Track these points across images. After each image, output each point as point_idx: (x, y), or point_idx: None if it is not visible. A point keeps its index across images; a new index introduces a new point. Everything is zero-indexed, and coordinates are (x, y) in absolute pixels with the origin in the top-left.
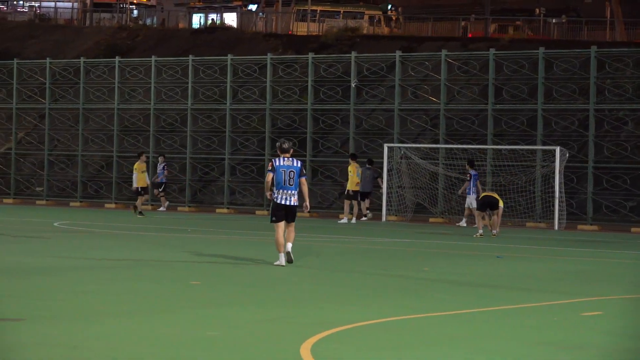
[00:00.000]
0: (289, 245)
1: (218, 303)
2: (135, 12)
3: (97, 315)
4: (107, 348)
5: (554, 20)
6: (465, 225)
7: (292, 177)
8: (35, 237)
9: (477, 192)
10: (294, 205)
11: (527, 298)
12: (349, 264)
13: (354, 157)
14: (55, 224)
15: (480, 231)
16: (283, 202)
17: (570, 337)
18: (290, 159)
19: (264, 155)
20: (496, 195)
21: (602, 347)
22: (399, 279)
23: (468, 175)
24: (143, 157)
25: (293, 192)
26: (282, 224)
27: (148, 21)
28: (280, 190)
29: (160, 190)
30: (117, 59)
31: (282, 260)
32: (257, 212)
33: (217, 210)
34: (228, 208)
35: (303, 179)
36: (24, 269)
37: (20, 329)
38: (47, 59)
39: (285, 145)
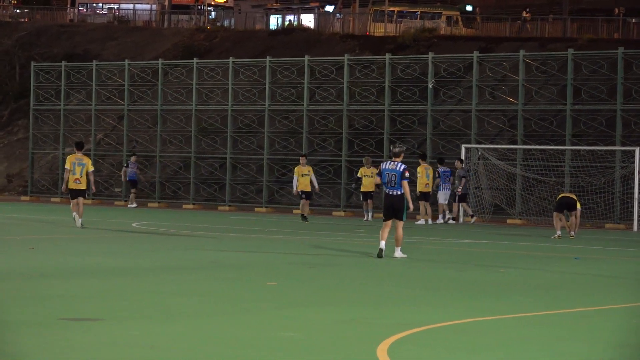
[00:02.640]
0: (397, 253)
1: (295, 304)
2: (213, 13)
3: (175, 315)
4: (184, 348)
5: (633, 20)
6: (442, 221)
7: (393, 179)
8: (115, 238)
9: (449, 189)
10: (394, 196)
11: (605, 300)
12: (425, 265)
13: (423, 157)
14: (134, 225)
15: (558, 232)
16: (388, 191)
17: None
18: (396, 162)
19: (341, 156)
20: (574, 196)
21: None
22: (475, 280)
23: (437, 172)
24: (303, 161)
25: (395, 191)
26: (388, 223)
27: (226, 23)
28: (385, 189)
29: (134, 188)
30: (194, 60)
31: (381, 245)
32: (334, 213)
33: (294, 212)
34: None
35: (404, 182)
36: (104, 269)
37: (99, 329)
38: (126, 60)
39: (396, 150)
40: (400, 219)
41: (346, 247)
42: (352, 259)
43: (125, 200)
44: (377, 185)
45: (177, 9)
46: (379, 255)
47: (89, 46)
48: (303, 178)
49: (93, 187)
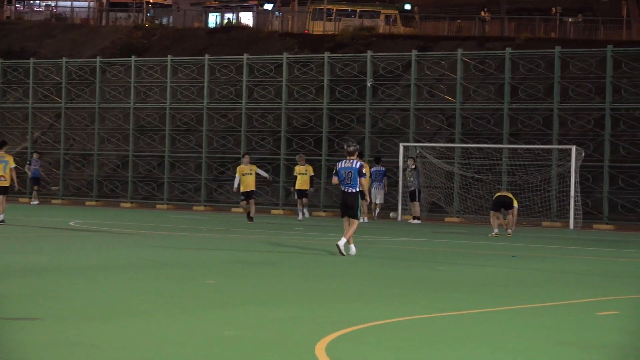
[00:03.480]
0: (342, 241)
1: (234, 302)
2: (152, 11)
3: (115, 314)
4: (124, 347)
5: (570, 20)
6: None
7: (350, 177)
8: (52, 237)
9: (384, 188)
10: (350, 194)
11: (543, 297)
12: (367, 263)
13: (360, 155)
14: (71, 223)
15: (496, 230)
16: (344, 189)
17: (586, 336)
18: (352, 161)
19: (280, 155)
20: (510, 195)
21: (618, 346)
22: (415, 278)
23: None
24: (246, 160)
25: (350, 189)
26: (346, 219)
27: (164, 20)
28: (342, 187)
29: (36, 185)
30: (133, 58)
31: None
32: (272, 211)
33: (233, 210)
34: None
35: (362, 179)
36: (41, 268)
37: (38, 329)
38: (63, 58)
39: (350, 149)
40: (354, 217)
41: (287, 244)
42: (293, 256)
43: (29, 198)
44: (311, 185)
45: (115, 7)
46: (340, 253)
47: (25, 44)
48: (244, 177)
49: (16, 184)
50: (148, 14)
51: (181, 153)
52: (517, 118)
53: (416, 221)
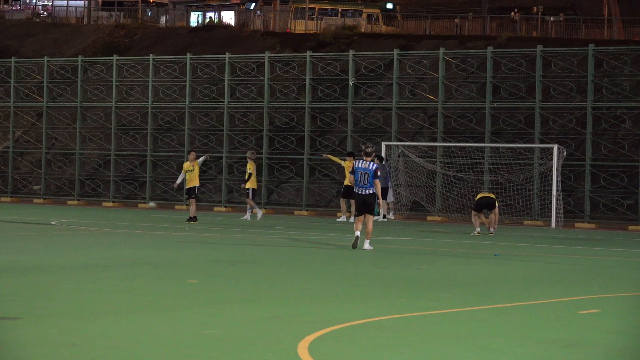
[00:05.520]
0: (366, 244)
1: (216, 301)
2: (149, 10)
3: (96, 313)
4: (105, 346)
5: (551, 18)
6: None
7: (366, 178)
8: (33, 236)
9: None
10: (367, 194)
11: (525, 296)
12: (347, 262)
13: (351, 154)
14: (53, 223)
15: (478, 229)
16: (358, 191)
17: (567, 335)
18: (369, 162)
19: (262, 154)
20: (492, 196)
21: (600, 345)
22: (396, 277)
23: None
24: (191, 155)
25: (367, 190)
26: (361, 218)
27: (162, 20)
28: (357, 187)
29: None
30: (114, 57)
31: (357, 234)
32: (254, 210)
33: (215, 209)
34: (226, 207)
35: (376, 180)
36: (22, 267)
37: (19, 328)
38: (45, 57)
39: (368, 150)
40: (372, 214)
41: (268, 243)
42: (275, 255)
43: None
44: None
45: (110, 6)
46: (354, 245)
47: (7, 42)
48: (188, 174)
49: None
50: (149, 14)
51: (163, 152)
52: (498, 117)
53: (381, 219)
